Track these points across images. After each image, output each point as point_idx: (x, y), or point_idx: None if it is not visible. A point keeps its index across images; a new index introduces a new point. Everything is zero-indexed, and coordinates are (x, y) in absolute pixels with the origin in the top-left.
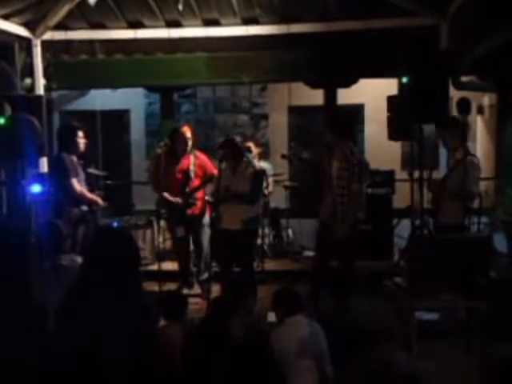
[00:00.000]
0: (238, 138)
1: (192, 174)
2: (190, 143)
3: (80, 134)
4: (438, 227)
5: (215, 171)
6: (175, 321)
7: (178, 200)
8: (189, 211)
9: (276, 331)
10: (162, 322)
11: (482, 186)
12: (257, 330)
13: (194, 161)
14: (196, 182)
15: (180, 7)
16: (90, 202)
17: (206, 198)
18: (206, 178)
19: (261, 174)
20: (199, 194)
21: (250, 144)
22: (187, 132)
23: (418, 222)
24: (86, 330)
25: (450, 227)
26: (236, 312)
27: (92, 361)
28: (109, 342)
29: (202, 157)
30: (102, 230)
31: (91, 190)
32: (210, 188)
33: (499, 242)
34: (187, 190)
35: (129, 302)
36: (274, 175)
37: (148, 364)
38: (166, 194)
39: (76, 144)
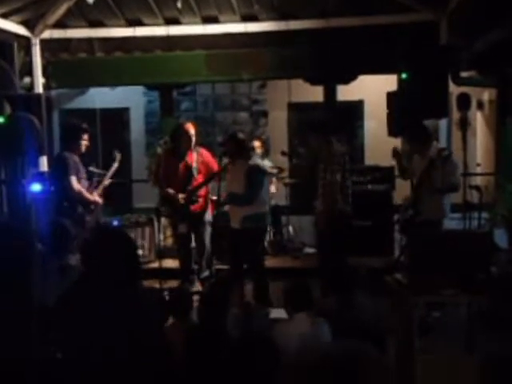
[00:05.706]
0: (240, 135)
1: (195, 172)
2: (193, 140)
3: (85, 136)
4: (418, 223)
5: (217, 168)
6: (180, 319)
7: (180, 197)
8: (191, 208)
9: (278, 327)
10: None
11: (482, 181)
12: (258, 326)
13: (198, 158)
14: (199, 179)
15: (179, 5)
16: (88, 202)
17: (209, 195)
18: (209, 176)
19: (253, 171)
20: (202, 192)
21: (257, 143)
22: (191, 129)
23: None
24: (84, 329)
25: (430, 223)
26: (226, 307)
27: (90, 358)
28: (107, 340)
29: (206, 153)
30: (98, 229)
31: (92, 189)
32: (212, 185)
33: (500, 238)
34: (190, 187)
35: (127, 300)
36: (278, 170)
37: (147, 363)
38: (169, 190)
39: (79, 145)
